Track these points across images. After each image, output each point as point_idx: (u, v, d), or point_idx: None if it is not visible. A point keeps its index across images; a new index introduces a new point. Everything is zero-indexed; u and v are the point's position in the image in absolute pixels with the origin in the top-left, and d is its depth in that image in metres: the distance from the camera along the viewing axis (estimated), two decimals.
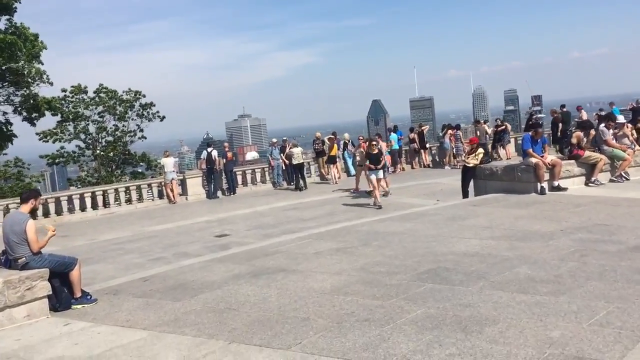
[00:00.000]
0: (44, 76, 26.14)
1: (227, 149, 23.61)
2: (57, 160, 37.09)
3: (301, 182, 22.66)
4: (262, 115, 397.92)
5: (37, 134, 35.22)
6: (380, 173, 17.08)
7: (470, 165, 15.01)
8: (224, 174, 23.32)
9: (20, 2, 24.44)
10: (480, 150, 15.11)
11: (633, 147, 14.46)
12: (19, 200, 8.65)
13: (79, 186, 36.26)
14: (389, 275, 7.63)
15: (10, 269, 7.50)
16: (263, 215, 17.77)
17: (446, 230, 10.36)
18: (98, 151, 37.62)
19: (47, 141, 36.09)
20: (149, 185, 22.72)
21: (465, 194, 15.19)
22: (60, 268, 7.64)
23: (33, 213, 8.19)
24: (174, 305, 7.31)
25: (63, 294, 7.67)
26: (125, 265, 12.66)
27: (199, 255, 12.75)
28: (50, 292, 7.54)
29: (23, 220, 7.55)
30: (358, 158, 20.89)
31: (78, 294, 7.75)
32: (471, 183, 15.34)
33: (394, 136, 25.27)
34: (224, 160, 23.03)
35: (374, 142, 17.44)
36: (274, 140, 25.02)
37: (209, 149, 22.72)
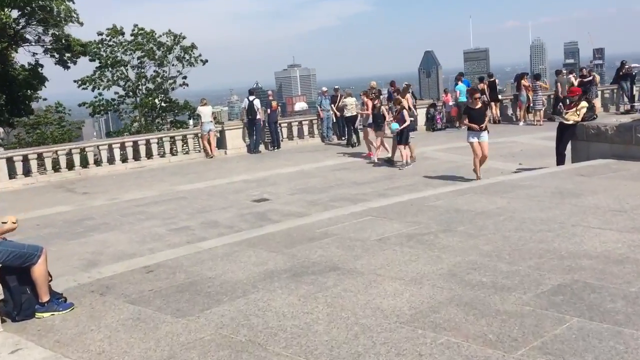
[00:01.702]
0: (74, 14, 23.83)
1: (271, 98, 20.98)
2: (96, 109, 35.24)
3: (354, 136, 19.95)
4: (312, 65, 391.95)
5: (74, 81, 33.48)
6: (486, 135, 12.76)
7: (570, 122, 11.98)
8: (267, 126, 20.82)
9: None
10: (584, 103, 12.01)
11: None
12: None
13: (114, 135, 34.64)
14: (499, 292, 4.99)
15: None
16: (309, 176, 15.26)
17: (558, 213, 7.57)
18: (138, 99, 35.61)
19: (86, 88, 34.30)
20: (184, 137, 20.42)
21: (560, 158, 12.23)
22: (16, 261, 5.32)
23: None
24: (174, 325, 4.91)
25: (24, 298, 5.38)
26: (142, 236, 10.45)
27: (230, 226, 10.48)
28: (2, 296, 5.28)
29: None
30: (363, 116, 18.02)
31: (45, 298, 5.44)
32: (568, 145, 12.34)
33: (460, 86, 22.09)
34: (268, 110, 20.47)
35: (477, 95, 13.22)
36: (324, 89, 22.24)
37: (251, 98, 20.13)
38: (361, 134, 18.76)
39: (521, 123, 21.69)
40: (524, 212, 7.75)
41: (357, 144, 19.83)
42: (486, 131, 12.74)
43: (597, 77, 22.58)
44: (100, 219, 12.15)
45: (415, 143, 15.96)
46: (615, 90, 23.57)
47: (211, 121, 19.98)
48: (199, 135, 20.25)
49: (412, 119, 15.64)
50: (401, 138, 15.04)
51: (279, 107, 21.54)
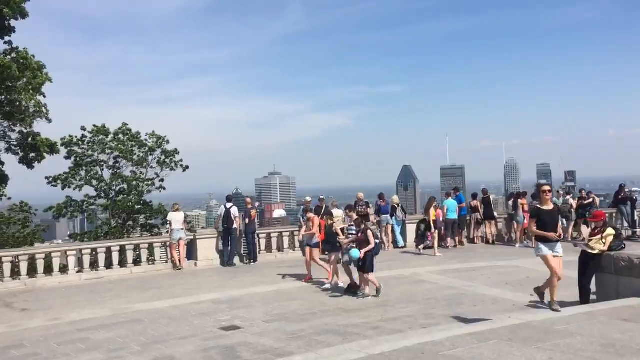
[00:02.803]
0: (44, 109, 22.42)
1: (250, 206, 19.28)
2: (63, 212, 33.05)
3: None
4: (292, 174, 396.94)
5: (46, 178, 31.69)
6: (561, 248, 10.20)
7: (595, 251, 10.37)
8: (244, 236, 18.98)
9: (21, 18, 20.99)
10: (610, 230, 10.48)
11: None
12: None
13: (85, 240, 32.37)
14: None
15: None
16: (289, 298, 13.24)
17: None
18: (109, 200, 33.66)
19: (56, 186, 32.38)
20: (150, 245, 18.38)
21: (585, 294, 10.49)
22: None
23: None
24: None
25: None
26: None
27: None
28: None
29: None
30: (305, 233, 15.37)
31: None
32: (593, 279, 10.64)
33: (449, 202, 20.70)
34: (247, 220, 18.71)
35: (548, 189, 10.05)
36: (308, 199, 20.62)
37: (228, 205, 18.42)
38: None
39: (518, 245, 20.17)
40: None
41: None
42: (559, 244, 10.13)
43: (597, 200, 21.49)
44: (30, 348, 9.88)
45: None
46: (614, 215, 22.42)
47: (182, 229, 18.08)
48: (167, 244, 18.26)
49: (377, 240, 13.17)
50: (363, 264, 12.64)
51: (257, 215, 19.76)
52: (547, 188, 9.72)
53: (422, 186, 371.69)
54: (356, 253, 12.62)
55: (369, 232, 12.76)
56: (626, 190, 21.48)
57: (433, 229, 19.00)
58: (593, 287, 10.72)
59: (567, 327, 7.88)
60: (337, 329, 10.29)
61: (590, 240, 10.51)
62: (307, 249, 15.05)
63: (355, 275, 13.31)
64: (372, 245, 12.63)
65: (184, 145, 35.27)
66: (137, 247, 18.04)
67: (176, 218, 18.07)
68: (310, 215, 15.36)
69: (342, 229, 14.17)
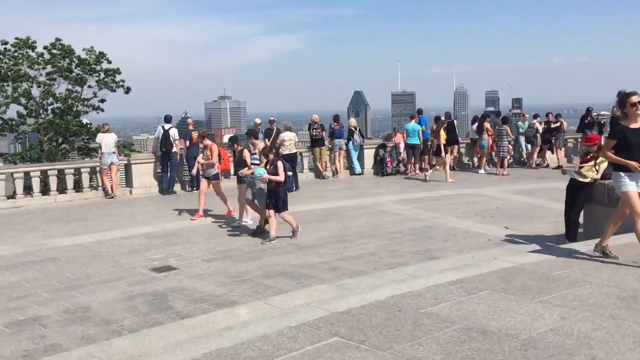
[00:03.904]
0: None
1: (191, 127, 17.18)
2: None
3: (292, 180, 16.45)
4: (243, 98, 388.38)
5: None
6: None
7: (587, 180, 9.02)
8: (185, 162, 17.04)
9: None
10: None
11: None
12: None
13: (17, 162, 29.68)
14: None
15: None
16: (236, 231, 11.59)
17: None
18: (41, 120, 30.73)
19: None
20: (77, 170, 16.18)
21: (572, 228, 9.22)
22: None
23: None
24: None
25: None
26: None
27: (105, 322, 6.70)
28: None
29: None
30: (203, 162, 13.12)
31: None
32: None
33: (410, 125, 19.14)
34: (187, 142, 16.70)
35: (636, 100, 6.67)
36: (257, 120, 18.68)
37: (166, 126, 16.30)
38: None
39: (481, 171, 18.97)
40: (607, 344, 4.47)
41: (295, 189, 16.32)
42: None
43: (565, 124, 20.36)
44: None
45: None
46: (579, 140, 21.45)
47: (114, 152, 15.95)
48: (97, 169, 16.16)
49: (289, 173, 10.95)
50: (276, 201, 10.55)
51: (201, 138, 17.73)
52: (636, 99, 6.73)
53: (373, 112, 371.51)
54: (261, 169, 10.67)
55: (279, 164, 10.52)
56: (593, 114, 20.41)
57: (443, 154, 17.46)
58: (580, 219, 9.46)
59: (570, 273, 6.52)
60: (289, 270, 8.76)
61: (581, 167, 9.13)
62: (204, 181, 12.88)
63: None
64: (280, 178, 10.42)
65: (128, 67, 32.25)
66: (61, 172, 15.86)
67: (106, 140, 15.89)
68: (208, 142, 13.02)
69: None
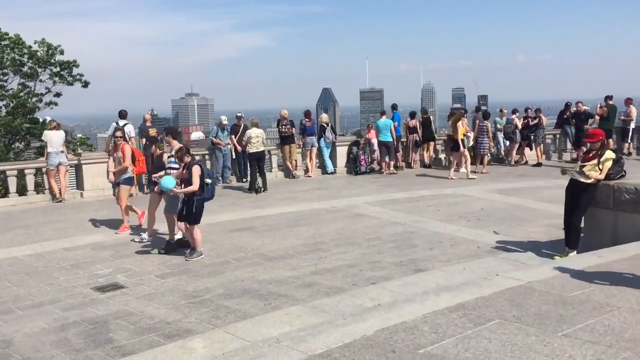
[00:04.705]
0: None
1: (148, 123, 15.79)
2: None
3: (258, 179, 15.23)
4: (210, 95, 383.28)
5: None
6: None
7: (590, 180, 8.05)
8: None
9: None
10: (609, 154, 8.14)
11: None
12: None
13: None
14: None
15: None
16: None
17: None
18: None
19: None
20: (20, 171, 14.63)
21: (574, 235, 8.23)
22: None
23: None
24: None
25: None
26: None
27: None
28: None
29: None
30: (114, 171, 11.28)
31: None
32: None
33: (381, 122, 18.02)
34: (144, 140, 15.30)
35: None
36: (223, 118, 17.32)
37: (120, 122, 14.89)
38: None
39: (461, 169, 17.99)
40: None
41: (262, 190, 15.13)
42: None
43: (544, 120, 19.56)
44: None
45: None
46: (558, 136, 20.72)
47: (62, 151, 14.47)
48: (44, 170, 14.66)
49: (208, 181, 8.98)
50: (187, 212, 8.88)
51: (159, 136, 16.34)
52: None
53: (342, 109, 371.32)
54: (169, 182, 8.90)
55: (195, 169, 8.82)
56: (573, 109, 19.64)
57: (462, 148, 16.42)
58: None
59: (590, 294, 5.50)
60: (256, 287, 7.58)
61: (583, 167, 8.15)
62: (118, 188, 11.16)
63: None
64: (192, 189, 8.73)
65: (93, 64, 30.46)
66: (1, 174, 14.31)
67: (53, 138, 14.38)
68: (120, 141, 11.05)
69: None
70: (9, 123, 28.08)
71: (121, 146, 10.99)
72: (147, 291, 7.59)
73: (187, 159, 8.99)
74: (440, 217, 11.54)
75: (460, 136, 16.37)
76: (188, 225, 8.93)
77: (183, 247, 9.39)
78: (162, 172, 9.61)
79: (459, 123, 16.47)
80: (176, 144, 9.91)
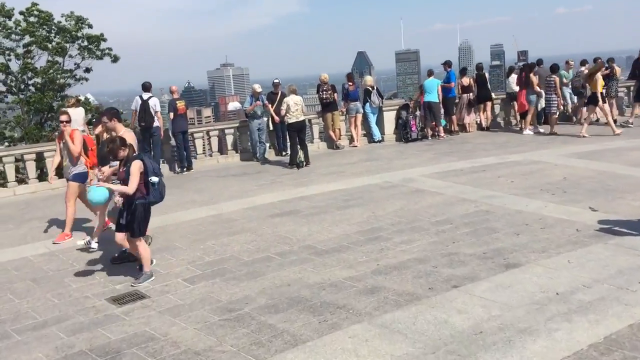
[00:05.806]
0: None
1: (175, 96, 14.32)
2: None
3: (300, 153, 13.62)
4: (245, 65, 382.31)
5: None
6: None
7: None
8: (171, 137, 14.25)
9: None
10: None
11: None
12: None
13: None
14: None
15: None
16: (232, 228, 8.83)
17: None
18: (22, 96, 27.98)
19: None
20: (39, 154, 13.38)
21: None
22: None
23: None
24: None
25: None
26: None
27: None
28: None
29: None
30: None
31: None
32: None
33: (429, 82, 16.08)
34: (172, 114, 13.86)
35: None
36: (257, 87, 15.41)
37: (145, 96, 13.42)
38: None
39: (527, 131, 15.97)
40: None
41: (305, 164, 13.55)
42: None
43: (618, 70, 17.26)
44: None
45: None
46: (632, 88, 18.37)
47: (83, 130, 13.14)
48: None
49: (154, 179, 6.71)
50: (130, 220, 6.75)
51: (187, 109, 14.85)
52: None
53: (377, 72, 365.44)
54: (99, 196, 6.97)
55: (134, 166, 6.63)
56: None
57: (601, 102, 14.73)
58: None
59: None
60: (306, 294, 6.05)
61: None
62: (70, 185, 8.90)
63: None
64: (127, 189, 6.62)
65: (124, 39, 29.23)
66: (21, 157, 13.11)
67: (73, 116, 13.03)
68: (65, 126, 8.85)
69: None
70: (38, 101, 27.20)
71: (71, 133, 8.74)
72: (173, 302, 6.15)
73: (123, 153, 6.78)
74: (516, 191, 9.75)
75: (600, 89, 14.46)
76: (130, 238, 6.86)
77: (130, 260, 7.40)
78: (107, 168, 7.43)
79: (598, 74, 14.49)
80: (120, 127, 7.51)
